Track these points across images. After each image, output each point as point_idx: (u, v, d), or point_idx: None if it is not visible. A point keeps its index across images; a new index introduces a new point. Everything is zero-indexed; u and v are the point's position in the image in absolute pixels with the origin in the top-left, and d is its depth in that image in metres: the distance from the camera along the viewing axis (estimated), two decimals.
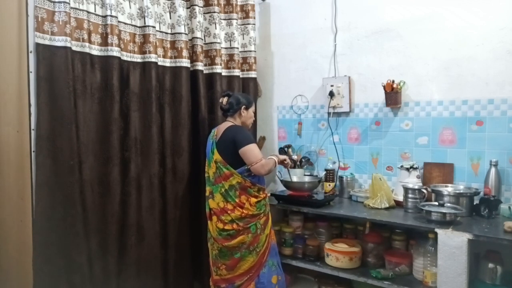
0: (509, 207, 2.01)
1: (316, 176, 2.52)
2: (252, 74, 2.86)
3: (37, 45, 1.77)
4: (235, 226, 2.10)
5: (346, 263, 2.22)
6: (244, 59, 2.84)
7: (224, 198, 2.13)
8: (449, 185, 2.26)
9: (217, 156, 2.16)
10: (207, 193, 2.24)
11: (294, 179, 2.55)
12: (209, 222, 2.22)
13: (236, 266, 2.13)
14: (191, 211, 2.46)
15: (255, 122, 2.83)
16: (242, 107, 2.26)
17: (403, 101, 2.46)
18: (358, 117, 2.66)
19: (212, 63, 2.60)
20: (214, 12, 2.57)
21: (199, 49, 2.49)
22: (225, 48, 2.73)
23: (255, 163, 2.06)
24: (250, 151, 2.09)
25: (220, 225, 2.13)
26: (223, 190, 2.13)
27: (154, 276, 2.25)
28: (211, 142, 2.24)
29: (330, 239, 2.44)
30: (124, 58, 2.14)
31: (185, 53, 2.41)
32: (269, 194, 2.30)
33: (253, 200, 2.13)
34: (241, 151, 2.09)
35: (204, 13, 2.56)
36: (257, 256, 2.13)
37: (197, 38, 2.48)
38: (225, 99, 2.29)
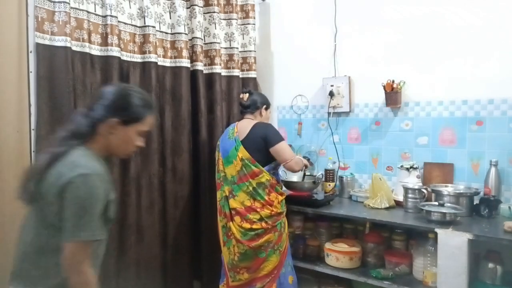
0: (509, 207, 2.01)
1: (314, 176, 2.52)
2: (252, 74, 2.86)
3: (37, 45, 1.77)
4: (263, 224, 2.05)
5: (346, 263, 2.22)
6: (244, 59, 2.84)
7: (252, 196, 2.08)
8: (449, 185, 2.26)
9: (243, 153, 2.09)
10: (225, 193, 2.16)
11: (295, 179, 2.56)
12: (230, 223, 2.12)
13: (259, 267, 2.08)
14: (191, 211, 2.46)
15: None
16: (263, 107, 2.28)
17: (403, 101, 2.46)
18: (358, 117, 2.66)
19: (212, 63, 2.60)
20: (214, 12, 2.57)
21: (199, 49, 2.49)
22: (225, 48, 2.73)
23: (290, 161, 2.07)
24: (283, 148, 2.09)
25: (247, 225, 2.06)
26: (250, 188, 2.07)
27: (153, 276, 2.25)
28: (233, 140, 2.15)
29: (330, 239, 2.43)
30: (124, 58, 2.14)
31: (185, 53, 2.41)
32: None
33: (280, 197, 2.13)
34: (273, 149, 2.07)
35: (204, 13, 2.56)
36: (279, 256, 2.11)
37: (197, 38, 2.48)
38: (246, 96, 2.27)
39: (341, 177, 2.63)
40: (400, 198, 2.27)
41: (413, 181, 2.27)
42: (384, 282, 2.05)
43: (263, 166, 2.09)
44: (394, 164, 2.51)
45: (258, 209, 2.06)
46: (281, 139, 2.11)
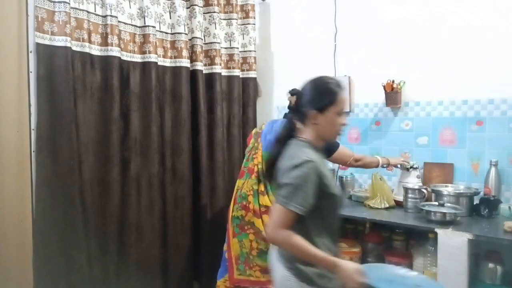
0: (509, 207, 2.01)
1: None
2: (252, 74, 2.86)
3: (37, 45, 1.77)
4: None
5: None
6: (244, 59, 2.84)
7: None
8: (449, 185, 2.26)
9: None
10: (257, 187, 2.03)
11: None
12: (255, 219, 2.00)
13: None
14: (191, 211, 2.46)
15: (255, 122, 2.83)
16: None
17: (403, 101, 2.46)
18: (358, 117, 2.66)
19: (212, 63, 2.60)
20: (214, 12, 2.57)
21: (199, 49, 2.49)
22: (225, 48, 2.73)
23: (350, 160, 2.10)
24: (344, 149, 2.10)
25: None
26: None
27: (153, 275, 2.25)
28: None
29: None
30: (124, 58, 2.14)
31: (185, 53, 2.41)
32: None
33: None
34: (336, 153, 2.06)
35: (204, 13, 2.56)
36: None
37: (197, 38, 2.48)
38: (293, 99, 2.19)
39: (341, 177, 2.63)
40: (400, 198, 2.27)
41: (413, 181, 2.27)
42: None
43: None
44: None
45: None
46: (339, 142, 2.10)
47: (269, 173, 1.53)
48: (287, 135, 1.52)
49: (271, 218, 1.35)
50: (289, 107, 2.18)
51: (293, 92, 2.14)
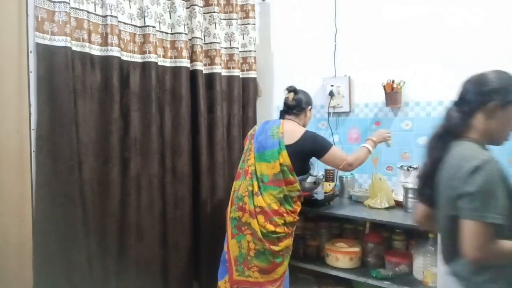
0: None
1: (315, 176, 2.52)
2: (252, 74, 2.85)
3: (37, 45, 1.77)
4: (286, 229, 2.00)
5: (346, 263, 2.22)
6: (244, 59, 2.84)
7: (279, 202, 2.00)
8: None
9: (286, 159, 1.99)
10: (252, 188, 2.03)
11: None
12: (251, 220, 1.99)
13: (273, 271, 2.01)
14: (191, 211, 2.46)
15: (255, 122, 2.83)
16: (308, 108, 2.19)
17: (403, 101, 2.46)
18: (358, 117, 2.66)
19: (212, 63, 2.60)
20: (214, 12, 2.57)
21: (198, 49, 2.49)
22: (225, 48, 2.73)
23: (343, 165, 2.02)
24: (333, 156, 2.03)
25: (271, 227, 1.96)
26: (281, 194, 1.99)
27: (153, 276, 2.25)
28: (277, 141, 2.02)
29: (330, 239, 2.44)
30: (124, 58, 2.14)
31: (185, 53, 2.41)
32: None
33: (301, 206, 2.10)
34: (324, 159, 2.03)
35: (204, 13, 2.56)
36: (288, 260, 2.10)
37: (197, 38, 2.48)
38: (291, 95, 2.15)
39: (341, 177, 2.63)
40: (400, 198, 2.27)
41: (413, 181, 2.27)
42: (384, 282, 2.05)
43: (297, 176, 2.03)
44: (394, 164, 2.51)
45: (285, 215, 2.00)
46: (328, 147, 2.03)
47: (426, 187, 1.30)
48: (452, 133, 1.26)
49: (467, 239, 1.14)
50: (285, 104, 2.19)
51: (290, 89, 2.15)
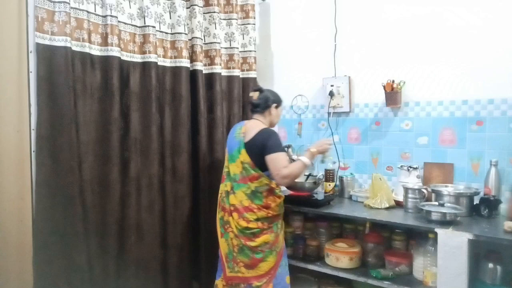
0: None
1: (315, 176, 2.52)
2: (252, 74, 2.86)
3: (37, 45, 1.77)
4: (260, 224, 2.04)
5: (346, 263, 2.22)
6: (244, 59, 2.84)
7: (249, 198, 2.06)
8: (449, 185, 2.26)
9: (245, 157, 2.06)
10: (227, 188, 2.15)
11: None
12: (229, 218, 2.11)
13: (256, 266, 2.06)
14: (191, 211, 2.46)
15: None
16: (273, 105, 2.21)
17: (403, 101, 2.46)
18: (358, 117, 2.66)
19: (212, 63, 2.60)
20: (214, 12, 2.57)
21: (198, 49, 2.49)
22: (225, 48, 2.73)
23: (278, 173, 1.98)
24: (275, 160, 2.00)
25: (243, 223, 2.04)
26: (249, 191, 2.06)
27: (153, 275, 2.25)
28: (238, 141, 2.12)
29: (330, 239, 2.44)
30: (124, 58, 2.14)
31: (185, 53, 2.41)
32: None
33: (278, 200, 2.11)
34: (267, 158, 2.02)
35: (204, 13, 2.56)
36: (276, 256, 2.10)
37: (197, 38, 2.48)
38: (256, 94, 2.21)
39: (341, 177, 2.63)
40: (400, 198, 2.27)
41: (413, 181, 2.27)
42: (384, 282, 2.05)
43: (263, 171, 2.06)
44: (394, 164, 2.51)
45: (255, 210, 2.05)
46: (275, 150, 2.01)
47: None
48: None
49: None
50: (250, 103, 2.30)
51: (255, 89, 2.28)
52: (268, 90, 2.30)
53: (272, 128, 2.18)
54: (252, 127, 2.12)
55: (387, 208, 2.23)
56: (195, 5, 2.45)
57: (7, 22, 1.74)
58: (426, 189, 2.18)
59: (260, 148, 2.04)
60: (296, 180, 2.53)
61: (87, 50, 1.96)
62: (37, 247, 1.77)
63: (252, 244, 2.04)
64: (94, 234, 1.99)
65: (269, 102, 2.20)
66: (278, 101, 2.25)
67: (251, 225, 2.04)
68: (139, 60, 2.22)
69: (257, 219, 2.05)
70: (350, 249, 2.25)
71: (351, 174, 2.65)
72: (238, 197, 2.09)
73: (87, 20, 1.97)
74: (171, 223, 2.35)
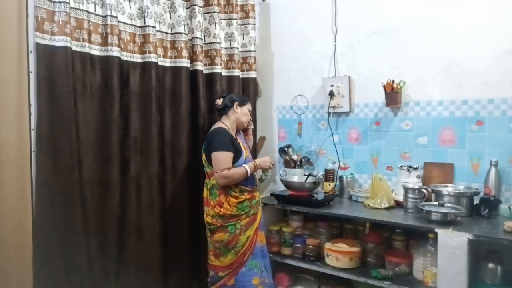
0: (509, 207, 2.01)
1: (315, 176, 2.52)
2: (252, 74, 2.86)
3: (37, 45, 1.77)
4: (214, 221, 2.17)
5: (346, 263, 2.22)
6: (244, 59, 2.84)
7: (210, 194, 2.22)
8: (449, 185, 2.26)
9: (204, 156, 2.23)
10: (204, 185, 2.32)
11: (295, 179, 2.56)
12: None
13: (218, 257, 2.21)
14: (191, 211, 2.46)
15: (255, 122, 2.83)
16: (235, 104, 2.28)
17: (403, 101, 2.46)
18: (358, 117, 2.66)
19: (212, 63, 2.60)
20: (214, 12, 2.57)
21: (199, 49, 2.49)
22: (225, 48, 2.73)
23: (219, 173, 2.09)
24: (216, 158, 2.11)
25: (205, 216, 2.24)
26: (208, 186, 2.23)
27: (153, 275, 2.25)
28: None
29: (330, 239, 2.44)
30: (124, 58, 2.14)
31: (185, 53, 2.41)
32: (258, 196, 2.29)
33: (233, 200, 2.15)
34: (212, 155, 2.13)
35: (204, 13, 2.56)
36: (235, 255, 2.17)
37: (197, 38, 2.48)
38: (220, 100, 2.32)
39: (341, 177, 2.63)
40: (400, 198, 2.27)
41: (413, 181, 2.27)
42: (384, 282, 2.05)
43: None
44: (394, 164, 2.51)
45: (211, 207, 2.19)
46: (219, 149, 2.10)
47: None
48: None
49: None
50: (215, 109, 2.36)
51: (220, 96, 2.36)
52: (232, 94, 2.45)
53: (223, 128, 2.22)
54: (212, 128, 2.26)
55: (387, 208, 2.23)
56: (195, 5, 2.45)
57: (7, 22, 1.74)
58: (426, 189, 2.18)
59: (209, 146, 2.16)
60: (296, 180, 2.56)
61: (87, 50, 1.96)
62: (37, 247, 1.77)
63: (212, 238, 2.21)
64: (94, 234, 1.99)
65: (231, 103, 2.28)
66: (241, 100, 2.32)
67: (208, 219, 2.21)
68: (139, 60, 2.22)
69: (212, 216, 2.18)
70: (350, 249, 2.25)
71: (351, 174, 2.65)
72: (205, 191, 2.27)
73: (87, 20, 1.97)
74: (171, 223, 2.35)
